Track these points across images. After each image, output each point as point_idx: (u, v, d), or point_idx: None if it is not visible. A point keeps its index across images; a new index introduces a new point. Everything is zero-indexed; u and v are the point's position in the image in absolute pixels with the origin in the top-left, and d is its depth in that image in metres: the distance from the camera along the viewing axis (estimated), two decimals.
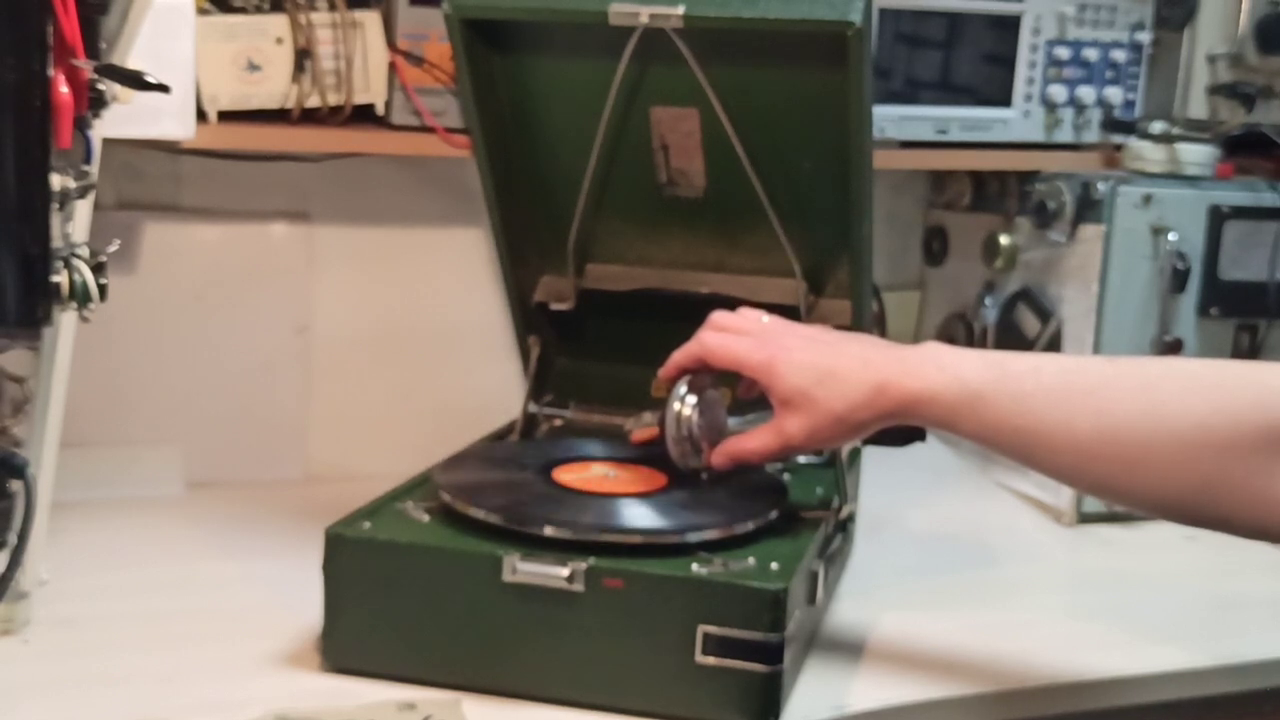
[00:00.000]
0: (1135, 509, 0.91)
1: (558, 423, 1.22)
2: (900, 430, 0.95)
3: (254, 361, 1.37)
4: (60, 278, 0.83)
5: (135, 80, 0.86)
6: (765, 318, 1.00)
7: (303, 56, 1.24)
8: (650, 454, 1.05)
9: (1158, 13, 1.46)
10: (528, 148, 1.18)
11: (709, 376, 1.01)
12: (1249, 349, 1.43)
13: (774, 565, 0.90)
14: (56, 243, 0.83)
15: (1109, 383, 0.86)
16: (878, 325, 1.60)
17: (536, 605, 0.89)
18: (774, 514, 0.99)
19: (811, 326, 1.01)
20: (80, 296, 0.84)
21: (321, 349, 1.40)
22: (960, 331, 1.56)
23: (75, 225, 0.87)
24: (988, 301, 1.52)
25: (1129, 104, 1.47)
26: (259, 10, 1.24)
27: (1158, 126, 1.42)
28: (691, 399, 1.00)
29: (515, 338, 1.25)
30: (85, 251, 0.86)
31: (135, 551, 1.17)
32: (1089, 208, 1.38)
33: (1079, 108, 1.46)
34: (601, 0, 1.05)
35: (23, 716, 0.88)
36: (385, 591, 0.92)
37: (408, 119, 1.27)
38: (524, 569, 0.89)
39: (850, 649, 1.03)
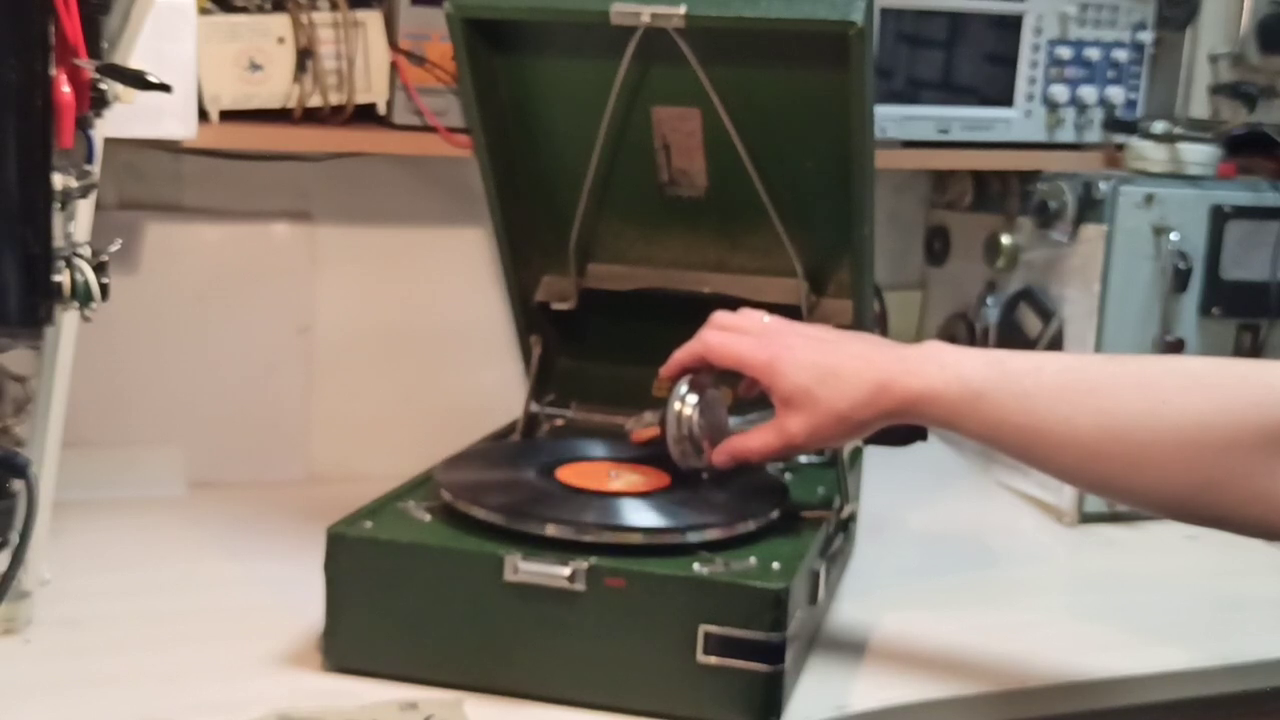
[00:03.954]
0: (1136, 507, 0.91)
1: (559, 422, 1.22)
2: (902, 429, 0.95)
3: (256, 361, 1.37)
4: (62, 277, 0.83)
5: (137, 80, 0.86)
6: (766, 318, 1.00)
7: (304, 56, 1.24)
8: (652, 454, 1.05)
9: (1159, 12, 1.46)
10: (529, 147, 1.18)
11: (710, 376, 1.01)
12: (1251, 349, 1.43)
13: (775, 565, 0.90)
14: (58, 242, 0.83)
15: (1110, 381, 0.86)
16: (879, 325, 1.60)
17: (538, 605, 0.89)
18: (775, 513, 0.99)
19: (813, 326, 1.01)
20: (82, 296, 0.84)
21: (323, 349, 1.40)
22: (962, 331, 1.56)
23: (77, 225, 0.88)
24: (989, 301, 1.52)
25: (1131, 104, 1.47)
26: (261, 10, 1.24)
27: (1159, 126, 1.42)
28: (692, 398, 1.00)
29: (517, 337, 1.25)
30: (87, 251, 0.86)
31: (137, 552, 1.17)
32: (1091, 207, 1.38)
33: (1081, 107, 1.46)
34: (603, 0, 1.05)
35: (25, 716, 0.88)
36: (387, 591, 0.92)
37: (409, 119, 1.27)
38: (525, 568, 0.89)
39: (852, 649, 1.03)
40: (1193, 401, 0.83)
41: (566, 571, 0.89)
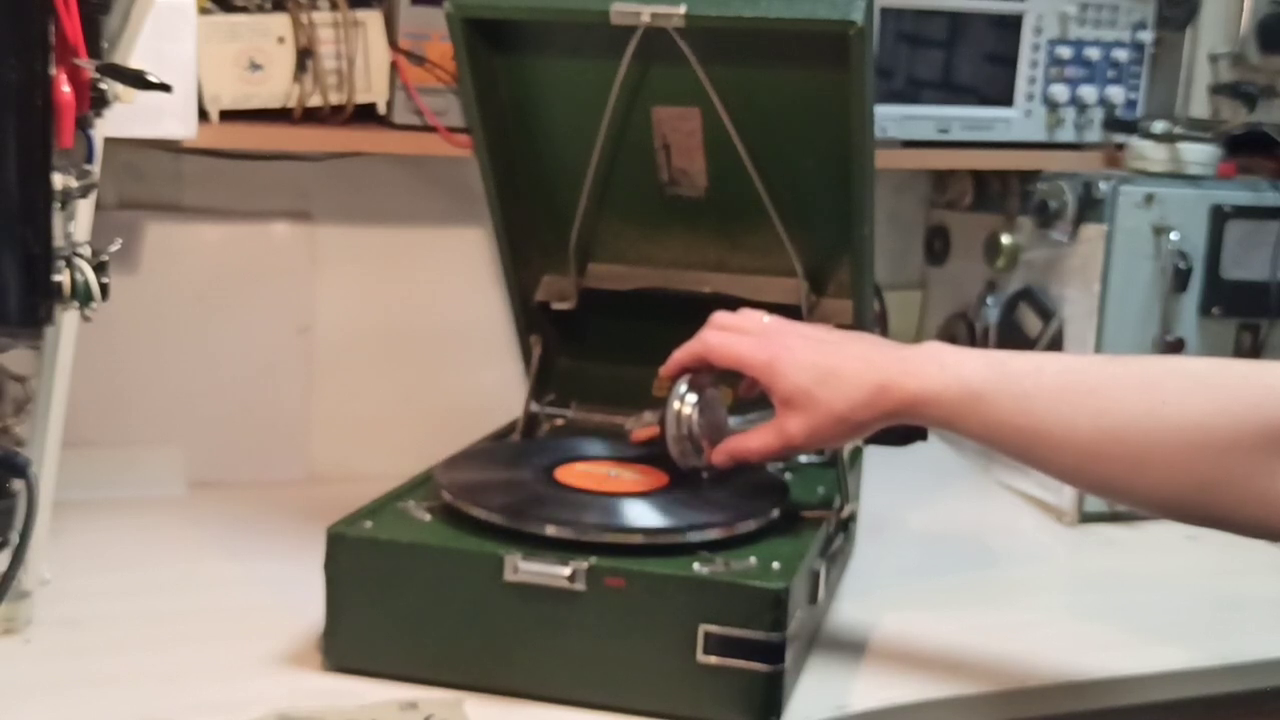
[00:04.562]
0: (1136, 508, 0.91)
1: (559, 422, 1.22)
2: (902, 429, 0.95)
3: (256, 361, 1.37)
4: (62, 277, 0.83)
5: (137, 80, 0.86)
6: (766, 318, 1.00)
7: (304, 56, 1.24)
8: (652, 453, 1.05)
9: (1159, 12, 1.46)
10: (529, 147, 1.18)
11: (709, 375, 1.01)
12: (1251, 348, 1.43)
13: (775, 565, 0.90)
14: (58, 242, 0.83)
15: (1110, 382, 0.86)
16: (879, 325, 1.60)
17: (538, 605, 0.89)
18: (775, 513, 0.99)
19: (813, 326, 1.01)
20: (82, 296, 0.84)
21: (323, 349, 1.40)
22: (962, 331, 1.56)
23: (77, 224, 0.88)
24: (989, 301, 1.52)
25: (1131, 103, 1.47)
26: (261, 10, 1.24)
27: (1159, 126, 1.42)
28: (691, 398, 1.00)
29: (517, 337, 1.25)
30: (87, 251, 0.86)
31: (137, 551, 1.17)
32: (1091, 207, 1.38)
33: (1081, 107, 1.46)
34: (603, 0, 1.05)
35: (25, 716, 0.88)
36: (387, 591, 0.92)
37: (409, 118, 1.27)
38: (525, 568, 0.89)
39: (852, 649, 1.03)
40: (1193, 402, 0.83)
41: (566, 571, 0.89)
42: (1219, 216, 1.38)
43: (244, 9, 1.23)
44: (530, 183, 1.19)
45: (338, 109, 1.26)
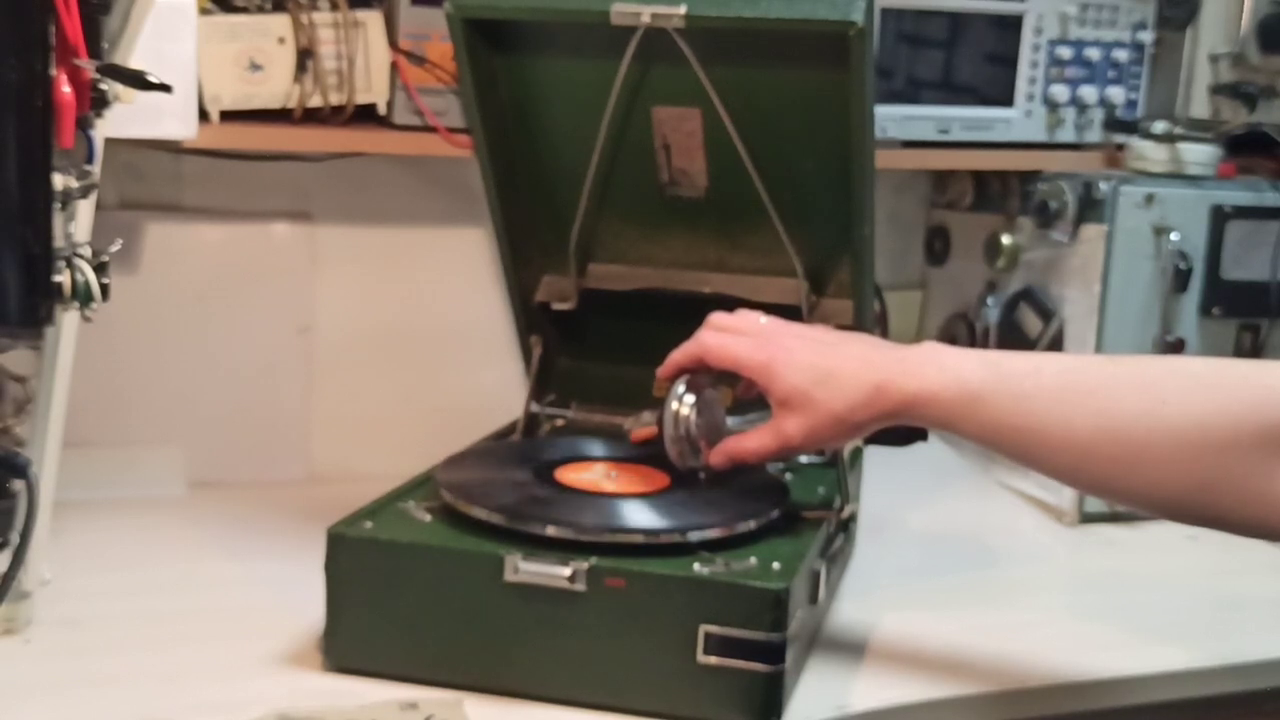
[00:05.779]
0: (1135, 508, 0.91)
1: (559, 422, 1.22)
2: (902, 429, 0.95)
3: (256, 361, 1.38)
4: (62, 277, 0.83)
5: (137, 80, 0.86)
6: (764, 319, 0.99)
7: (305, 56, 1.24)
8: (651, 454, 1.05)
9: (1160, 12, 1.46)
10: (529, 147, 1.18)
11: (708, 376, 1.01)
12: (1251, 349, 1.43)
13: (776, 565, 0.90)
14: (59, 242, 0.83)
15: (1109, 382, 0.86)
16: (879, 325, 1.60)
17: (538, 605, 0.89)
18: (775, 513, 0.99)
19: (811, 327, 1.01)
20: (82, 296, 0.84)
21: (324, 349, 1.40)
22: (962, 331, 1.56)
23: (77, 225, 0.88)
24: (990, 301, 1.52)
25: (1131, 104, 1.47)
26: (261, 10, 1.24)
27: (1160, 126, 1.42)
28: (690, 398, 1.00)
29: (517, 337, 1.25)
30: (87, 251, 0.86)
31: (137, 552, 1.17)
32: (1091, 207, 1.38)
33: (1081, 107, 1.46)
34: (603, 0, 1.05)
35: (25, 716, 0.88)
36: (387, 591, 0.92)
37: (410, 119, 1.27)
38: (526, 569, 0.89)
39: (852, 649, 1.03)
40: (1192, 402, 0.83)
41: (567, 572, 0.89)
42: (1219, 217, 1.38)
43: (244, 9, 1.23)
44: (530, 183, 1.19)
45: (338, 109, 1.26)
